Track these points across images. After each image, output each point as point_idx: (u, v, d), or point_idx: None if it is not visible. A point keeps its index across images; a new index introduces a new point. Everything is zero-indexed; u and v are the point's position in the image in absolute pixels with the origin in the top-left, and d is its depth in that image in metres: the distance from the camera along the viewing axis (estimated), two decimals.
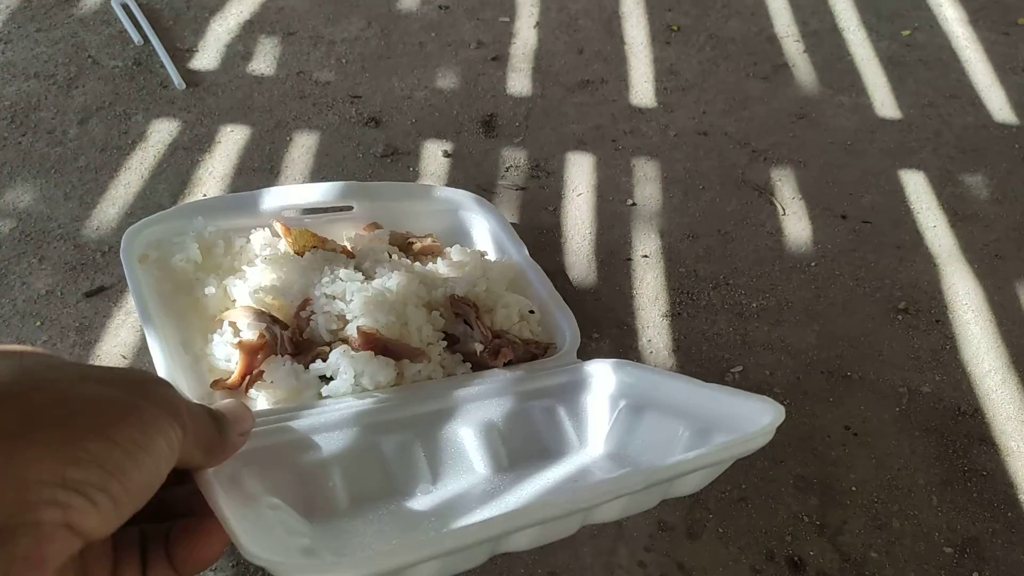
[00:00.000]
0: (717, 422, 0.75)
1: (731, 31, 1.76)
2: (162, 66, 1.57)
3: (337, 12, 1.75)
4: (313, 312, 0.96)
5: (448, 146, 1.46)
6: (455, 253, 1.12)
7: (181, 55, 1.61)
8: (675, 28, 1.77)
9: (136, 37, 1.62)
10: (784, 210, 1.38)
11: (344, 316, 0.95)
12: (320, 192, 1.16)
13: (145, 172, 1.38)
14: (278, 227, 1.10)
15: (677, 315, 1.22)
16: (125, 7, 1.69)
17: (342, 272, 0.99)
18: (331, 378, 0.89)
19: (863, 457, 1.07)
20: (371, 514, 0.73)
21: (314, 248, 1.05)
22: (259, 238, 1.09)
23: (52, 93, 1.50)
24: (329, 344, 0.94)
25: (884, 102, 1.61)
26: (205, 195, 1.35)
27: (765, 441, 0.61)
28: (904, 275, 1.29)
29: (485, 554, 0.54)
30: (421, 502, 0.76)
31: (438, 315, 1.00)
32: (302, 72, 1.60)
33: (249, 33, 1.68)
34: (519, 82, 1.61)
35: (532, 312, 1.06)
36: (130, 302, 1.18)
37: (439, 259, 1.11)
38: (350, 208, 1.17)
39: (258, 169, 1.40)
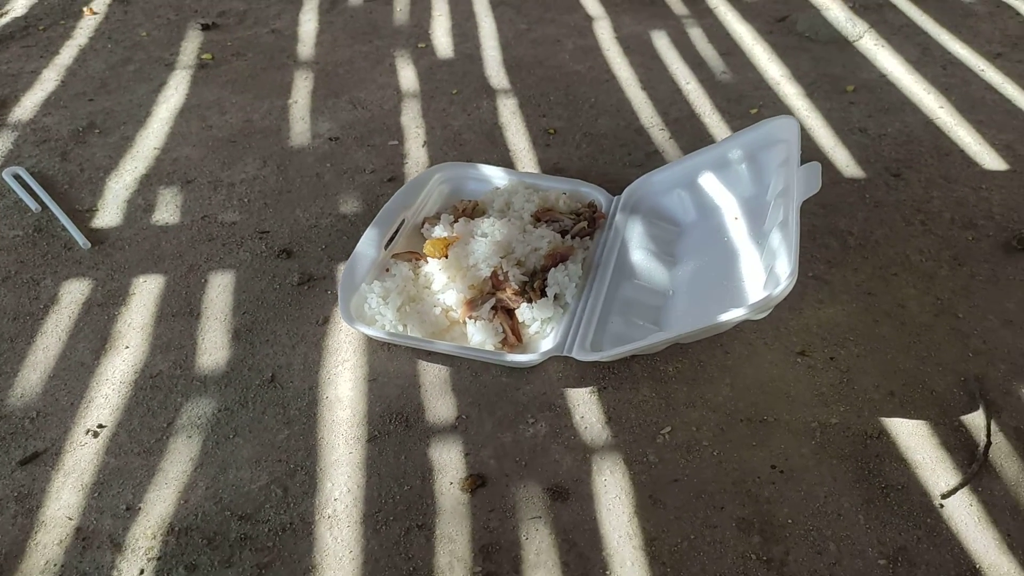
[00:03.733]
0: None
1: (602, 127, 1.93)
2: (64, 229, 1.60)
3: (231, 156, 1.82)
4: (505, 273, 1.42)
5: None
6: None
7: (82, 216, 1.64)
8: (551, 131, 1.92)
9: (33, 205, 1.65)
10: None
11: (518, 258, 1.45)
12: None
13: (62, 334, 1.39)
14: (404, 268, 1.46)
15: (603, 389, 1.30)
16: (17, 177, 1.72)
17: (485, 226, 1.50)
18: (556, 295, 1.40)
19: (792, 491, 1.16)
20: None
21: (448, 246, 1.46)
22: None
23: None
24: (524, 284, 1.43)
25: None
26: (128, 347, 1.36)
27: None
28: (795, 321, 1.42)
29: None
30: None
31: (543, 224, 1.56)
32: (206, 216, 1.65)
33: (147, 186, 1.73)
34: None
35: (564, 194, 1.64)
36: (68, 463, 1.18)
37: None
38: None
39: (178, 314, 1.43)
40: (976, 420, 1.25)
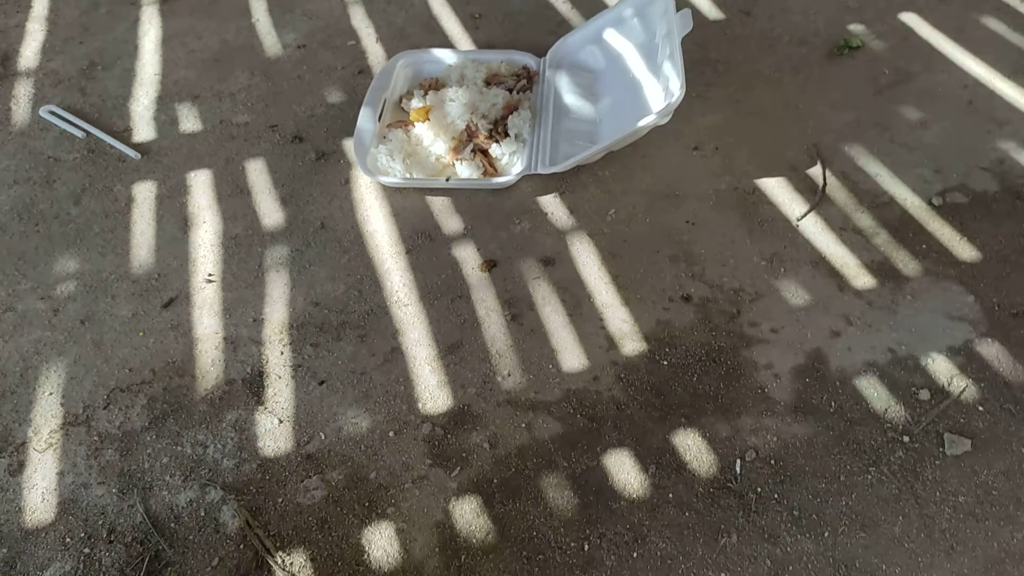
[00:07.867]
0: None
1: (515, 7, 2.39)
2: (112, 148, 1.98)
3: (222, 72, 2.20)
4: (476, 124, 1.92)
5: None
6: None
7: (120, 136, 2.02)
8: (477, 16, 2.36)
9: (78, 133, 2.01)
10: None
11: (482, 113, 1.95)
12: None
13: (150, 220, 1.81)
14: (399, 132, 1.93)
15: (563, 193, 1.82)
16: (53, 113, 2.07)
17: (451, 94, 1.99)
18: (516, 134, 1.92)
19: (702, 234, 1.72)
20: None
21: (428, 112, 1.95)
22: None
23: (38, 190, 1.88)
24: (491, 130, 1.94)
25: None
26: (205, 222, 1.80)
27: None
28: (687, 128, 1.95)
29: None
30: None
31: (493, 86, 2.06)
32: (223, 120, 2.05)
33: (164, 105, 2.11)
34: None
35: (502, 62, 2.14)
36: (198, 301, 1.64)
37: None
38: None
39: (232, 194, 1.86)
40: (816, 171, 1.83)
